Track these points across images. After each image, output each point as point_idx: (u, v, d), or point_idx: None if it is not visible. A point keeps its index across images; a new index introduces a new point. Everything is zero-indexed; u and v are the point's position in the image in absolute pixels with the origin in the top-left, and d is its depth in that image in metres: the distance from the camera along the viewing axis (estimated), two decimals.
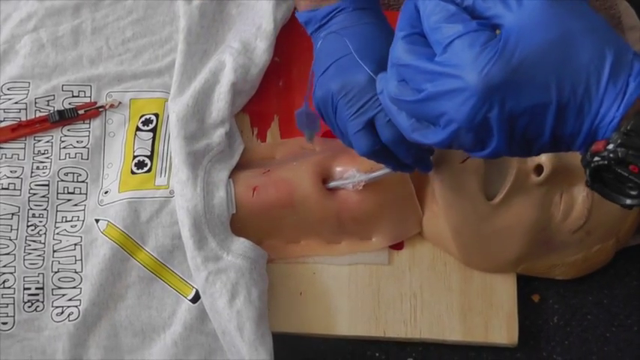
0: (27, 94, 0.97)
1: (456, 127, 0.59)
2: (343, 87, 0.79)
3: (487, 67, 0.56)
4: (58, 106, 0.96)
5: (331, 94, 0.80)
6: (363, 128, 0.78)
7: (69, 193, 0.93)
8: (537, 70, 0.56)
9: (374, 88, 0.76)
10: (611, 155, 0.56)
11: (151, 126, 0.95)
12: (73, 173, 0.93)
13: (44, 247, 0.90)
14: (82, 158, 0.94)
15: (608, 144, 0.57)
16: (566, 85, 0.56)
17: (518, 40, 0.56)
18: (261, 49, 0.98)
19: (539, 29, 0.56)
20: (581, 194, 0.87)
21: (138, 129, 0.95)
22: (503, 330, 0.90)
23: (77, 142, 0.95)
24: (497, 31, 0.57)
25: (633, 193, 0.58)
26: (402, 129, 0.64)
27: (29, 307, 0.87)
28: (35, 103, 0.97)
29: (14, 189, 0.92)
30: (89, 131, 0.96)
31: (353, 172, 0.88)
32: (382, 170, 0.85)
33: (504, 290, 0.91)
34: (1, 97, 0.97)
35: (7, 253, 0.89)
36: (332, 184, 0.89)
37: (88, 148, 0.95)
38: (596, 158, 0.57)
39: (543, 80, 0.56)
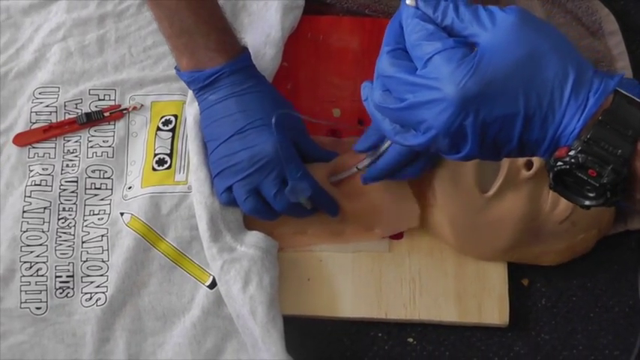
0: (57, 98, 1.00)
1: (434, 133, 0.62)
2: (252, 159, 0.87)
3: (464, 81, 0.59)
4: (85, 108, 0.99)
5: (241, 166, 0.87)
6: (279, 189, 0.87)
7: (96, 188, 0.95)
8: (508, 84, 0.59)
9: (279, 154, 0.85)
10: (573, 160, 0.60)
11: (170, 126, 0.97)
12: (100, 170, 0.96)
13: (74, 239, 0.93)
14: (107, 156, 0.97)
15: (569, 150, 0.60)
16: (533, 97, 0.60)
17: (491, 57, 0.59)
18: (270, 56, 0.99)
19: (510, 47, 0.60)
20: None
21: (158, 129, 0.97)
22: (495, 311, 0.91)
23: (103, 141, 0.98)
24: (475, 48, 0.61)
25: (591, 195, 0.62)
26: (385, 132, 0.67)
27: (60, 293, 0.91)
28: (64, 106, 0.99)
29: (46, 185, 0.95)
30: (114, 132, 0.98)
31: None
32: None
33: (496, 275, 0.92)
34: (34, 101, 1.00)
35: (40, 244, 0.93)
36: (331, 179, 0.92)
37: (113, 147, 0.97)
38: (559, 163, 0.61)
39: (513, 93, 0.60)
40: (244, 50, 0.92)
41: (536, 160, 0.89)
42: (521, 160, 0.90)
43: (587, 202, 0.62)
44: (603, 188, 0.60)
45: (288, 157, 0.87)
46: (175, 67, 0.93)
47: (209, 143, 0.91)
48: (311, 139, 0.94)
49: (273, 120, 0.84)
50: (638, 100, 0.60)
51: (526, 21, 0.61)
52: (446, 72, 0.60)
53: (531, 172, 0.89)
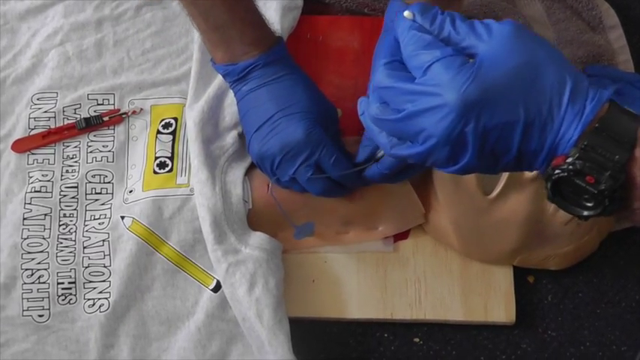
0: (55, 103, 1.00)
1: (434, 141, 0.62)
2: (283, 147, 0.85)
3: (465, 86, 0.60)
4: (84, 113, 0.99)
5: (272, 153, 0.86)
6: (313, 173, 0.85)
7: (96, 193, 0.95)
8: (508, 90, 0.60)
9: (310, 140, 0.84)
10: (570, 167, 0.60)
11: (170, 129, 0.97)
12: (100, 175, 0.96)
13: (75, 244, 0.93)
14: (107, 161, 0.97)
15: (567, 158, 0.61)
16: (532, 105, 0.61)
17: (491, 64, 0.61)
18: None
19: (509, 55, 0.61)
20: None
21: (159, 132, 0.97)
22: (501, 309, 0.92)
23: (103, 146, 0.98)
24: (471, 59, 0.62)
25: (589, 204, 0.62)
26: (381, 146, 0.68)
27: (63, 300, 0.90)
28: (63, 111, 0.99)
29: (46, 191, 0.95)
30: (114, 136, 0.98)
31: None
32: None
33: (501, 273, 0.93)
34: (32, 107, 1.00)
35: (41, 251, 0.92)
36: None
37: (113, 152, 0.97)
38: (557, 171, 0.61)
39: (513, 99, 0.60)
40: (279, 42, 0.91)
41: None
42: None
43: (585, 212, 0.63)
44: (601, 195, 0.61)
45: (319, 142, 0.86)
46: (211, 60, 0.93)
47: (246, 134, 0.91)
48: (341, 141, 0.92)
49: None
50: (631, 110, 0.61)
51: (521, 32, 0.62)
52: (446, 78, 0.61)
53: (534, 173, 0.88)
